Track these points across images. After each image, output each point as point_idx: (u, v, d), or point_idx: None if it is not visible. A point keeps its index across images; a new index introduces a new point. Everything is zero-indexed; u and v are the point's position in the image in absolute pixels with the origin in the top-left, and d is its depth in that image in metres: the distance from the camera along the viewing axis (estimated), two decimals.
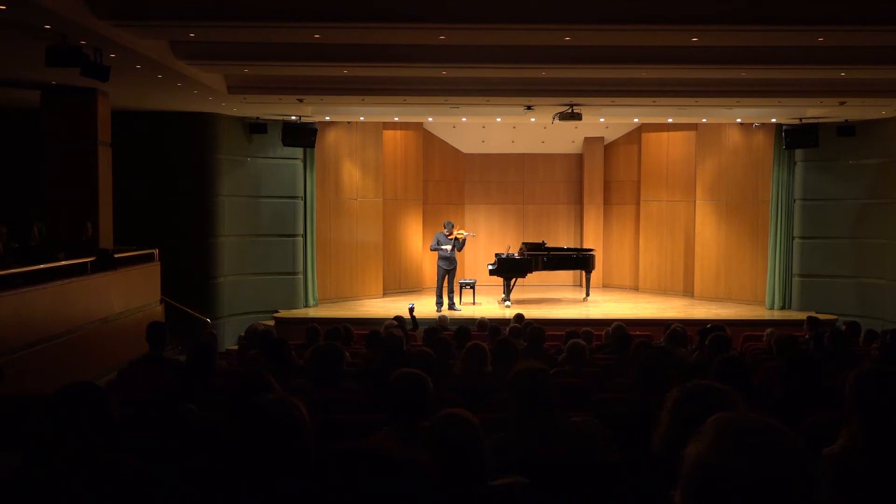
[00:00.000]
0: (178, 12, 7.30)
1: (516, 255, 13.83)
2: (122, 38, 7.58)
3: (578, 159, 17.09)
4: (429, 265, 15.85)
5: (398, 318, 9.16)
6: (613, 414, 3.50)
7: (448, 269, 13.15)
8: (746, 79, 10.38)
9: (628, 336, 6.75)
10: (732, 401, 2.08)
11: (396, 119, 14.33)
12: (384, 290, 15.13)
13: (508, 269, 13.58)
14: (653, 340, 7.68)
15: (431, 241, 13.39)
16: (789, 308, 13.81)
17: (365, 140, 14.84)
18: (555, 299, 14.82)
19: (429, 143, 16.33)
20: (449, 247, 13.09)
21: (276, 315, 13.05)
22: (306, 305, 13.88)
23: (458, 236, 13.27)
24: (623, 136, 16.55)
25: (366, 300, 14.63)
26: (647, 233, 16.07)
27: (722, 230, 14.78)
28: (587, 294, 14.47)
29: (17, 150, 11.71)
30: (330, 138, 14.42)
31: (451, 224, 13.38)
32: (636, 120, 14.83)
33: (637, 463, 2.68)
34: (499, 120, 14.17)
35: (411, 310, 10.19)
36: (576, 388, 4.87)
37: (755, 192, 14.41)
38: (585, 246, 15.87)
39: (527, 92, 10.95)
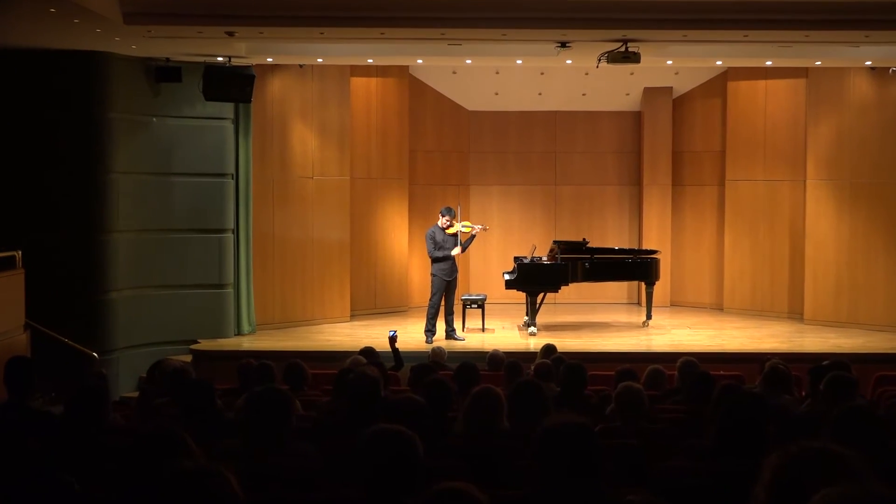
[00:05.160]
0: None
1: (545, 259, 13.83)
2: None
3: (636, 120, 17.12)
4: (418, 274, 15.85)
5: (368, 352, 9.15)
6: (684, 489, 3.51)
7: (449, 278, 13.09)
8: (881, 1, 10.39)
9: (706, 377, 6.75)
10: (858, 470, 2.09)
11: (370, 61, 14.34)
12: (352, 310, 15.14)
13: (533, 281, 13.59)
14: (744, 383, 7.69)
15: (427, 244, 13.11)
16: None
17: (325, 92, 14.85)
18: (601, 324, 14.86)
19: (418, 96, 16.35)
20: (457, 250, 13.04)
21: (194, 347, 13.06)
22: (239, 333, 13.89)
23: (462, 232, 13.20)
24: (700, 87, 16.58)
25: (325, 325, 14.65)
26: (735, 227, 16.10)
27: (844, 224, 14.79)
28: (648, 316, 14.49)
29: None
30: (274, 89, 14.44)
31: (451, 211, 13.17)
32: (719, 63, 14.85)
33: None
34: (519, 63, 14.17)
35: (392, 339, 10.19)
36: (631, 453, 4.92)
37: (893, 169, 14.43)
38: (645, 247, 15.89)
39: (561, 21, 10.95)
